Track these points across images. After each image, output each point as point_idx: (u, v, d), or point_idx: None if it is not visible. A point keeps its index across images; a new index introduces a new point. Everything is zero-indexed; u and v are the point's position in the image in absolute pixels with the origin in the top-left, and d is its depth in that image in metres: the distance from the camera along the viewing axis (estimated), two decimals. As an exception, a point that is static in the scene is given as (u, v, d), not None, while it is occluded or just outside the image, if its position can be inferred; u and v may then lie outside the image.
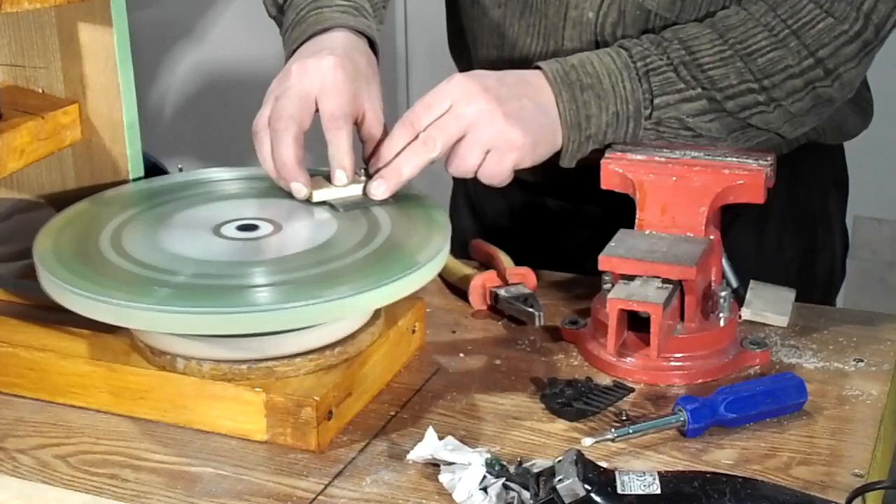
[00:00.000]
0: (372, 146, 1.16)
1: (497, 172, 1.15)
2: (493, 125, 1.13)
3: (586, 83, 1.17)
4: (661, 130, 1.18)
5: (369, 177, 1.15)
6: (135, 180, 1.23)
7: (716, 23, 1.19)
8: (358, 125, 1.16)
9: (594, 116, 1.16)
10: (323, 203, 1.14)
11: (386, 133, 1.16)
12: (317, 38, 1.20)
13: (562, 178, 1.29)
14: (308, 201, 1.14)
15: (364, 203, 1.14)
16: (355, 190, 1.15)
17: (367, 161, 1.17)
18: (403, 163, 1.13)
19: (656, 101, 1.17)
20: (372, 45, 1.23)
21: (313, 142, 1.15)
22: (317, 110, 1.14)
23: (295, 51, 1.20)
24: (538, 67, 1.18)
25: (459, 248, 1.30)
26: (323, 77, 1.14)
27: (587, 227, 1.33)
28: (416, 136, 1.13)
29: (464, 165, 1.15)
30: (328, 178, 1.15)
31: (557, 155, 1.18)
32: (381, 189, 1.13)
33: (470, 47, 1.40)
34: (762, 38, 1.17)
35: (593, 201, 1.27)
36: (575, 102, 1.16)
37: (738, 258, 1.23)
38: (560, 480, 0.89)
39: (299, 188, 1.13)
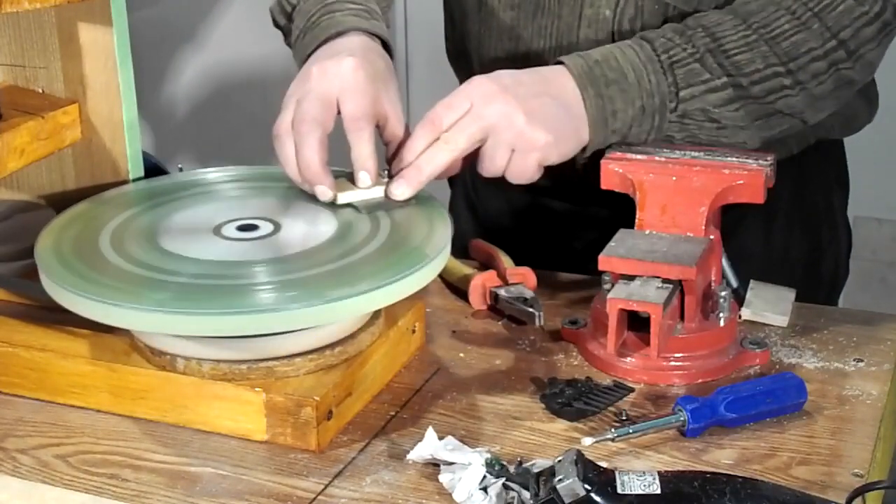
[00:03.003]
0: (395, 147, 1.16)
1: (523, 171, 1.15)
2: (513, 126, 1.13)
3: (611, 78, 1.16)
4: (686, 123, 1.18)
5: (392, 178, 1.15)
6: (135, 180, 1.23)
7: (736, 9, 1.19)
8: (380, 127, 1.16)
9: (620, 111, 1.16)
10: (347, 205, 1.14)
11: (408, 134, 1.16)
12: (332, 42, 1.20)
13: (568, 179, 1.29)
14: (333, 204, 1.14)
15: (387, 204, 1.14)
16: (379, 191, 1.14)
17: (389, 162, 1.17)
18: (424, 163, 1.13)
19: (682, 93, 1.17)
20: (386, 47, 1.23)
21: (334, 143, 1.15)
22: (338, 112, 1.14)
23: (309, 55, 1.20)
24: (560, 62, 1.18)
25: (459, 249, 1.30)
26: (343, 79, 1.14)
27: (594, 229, 1.33)
28: (438, 137, 1.13)
29: (492, 167, 1.15)
30: (351, 180, 1.15)
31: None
32: (401, 189, 1.13)
33: (473, 51, 1.40)
34: (785, 21, 1.17)
35: (600, 203, 1.27)
36: (601, 98, 1.16)
37: (745, 258, 1.23)
38: (560, 480, 0.89)
39: (324, 191, 1.13)
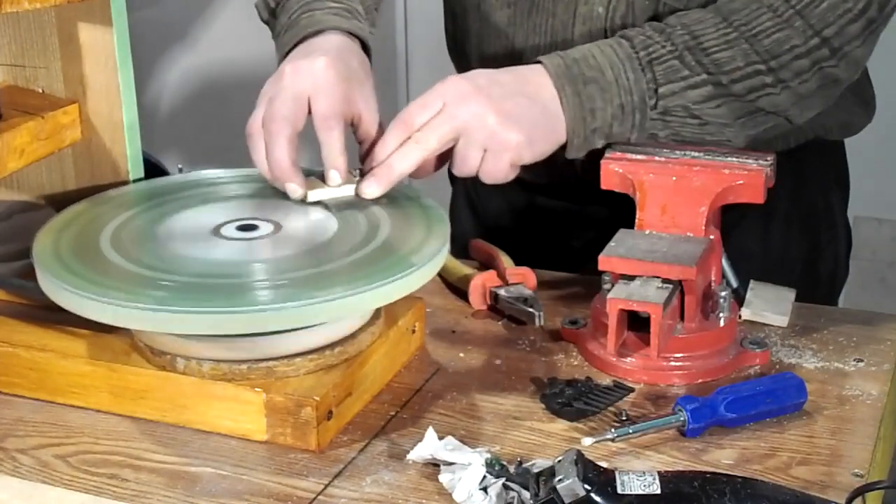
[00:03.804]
0: (368, 146, 1.16)
1: (495, 172, 1.15)
2: (485, 126, 1.13)
3: (589, 76, 1.16)
4: (668, 120, 1.18)
5: (363, 176, 1.15)
6: (135, 181, 1.23)
7: (720, 7, 1.19)
8: (354, 126, 1.17)
9: (599, 110, 1.16)
10: (317, 203, 1.14)
11: (382, 133, 1.16)
12: (309, 40, 1.20)
13: (567, 179, 1.28)
14: (303, 202, 1.14)
15: (358, 203, 1.14)
16: (350, 190, 1.15)
17: (362, 161, 1.17)
18: (395, 162, 1.13)
19: (661, 90, 1.17)
20: (365, 47, 1.23)
21: (307, 142, 1.15)
22: (310, 111, 1.14)
23: (287, 53, 1.20)
24: (539, 62, 1.18)
25: (459, 249, 1.30)
26: (315, 78, 1.14)
27: (592, 229, 1.33)
28: (410, 136, 1.13)
29: (465, 167, 1.15)
30: (322, 178, 1.15)
31: (562, 152, 1.18)
32: (371, 188, 1.13)
33: (472, 49, 1.40)
34: (766, 19, 1.17)
35: (598, 202, 1.27)
36: (578, 96, 1.16)
37: (744, 258, 1.23)
38: (560, 480, 0.89)
39: (294, 189, 1.13)
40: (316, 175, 1.16)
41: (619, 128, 1.17)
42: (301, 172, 1.14)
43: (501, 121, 1.13)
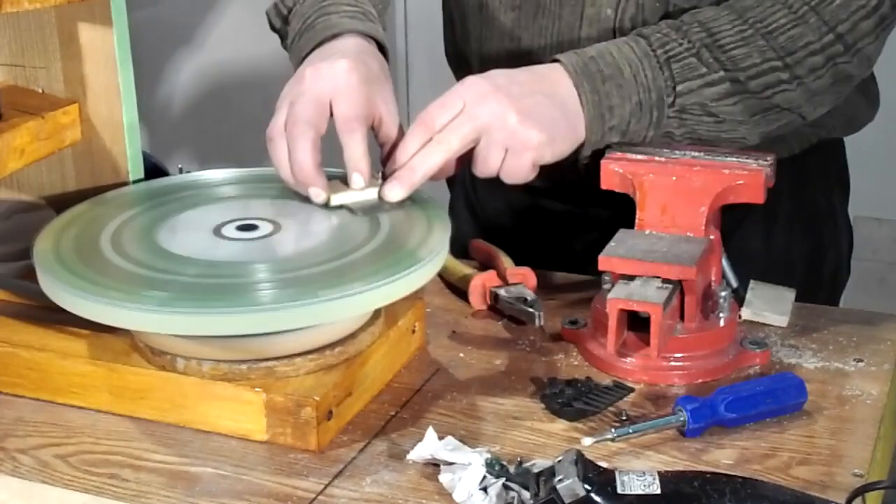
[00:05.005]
0: (389, 149, 1.16)
1: (517, 172, 1.15)
2: (506, 126, 1.12)
3: (607, 74, 1.16)
4: (685, 118, 1.18)
5: (385, 179, 1.15)
6: (135, 181, 1.23)
7: (733, 5, 1.19)
8: (375, 128, 1.16)
9: (617, 107, 1.16)
10: (340, 207, 1.14)
11: (402, 135, 1.15)
12: (327, 44, 1.20)
13: (568, 181, 1.28)
14: (326, 205, 1.14)
15: (381, 206, 1.14)
16: (373, 193, 1.14)
17: (384, 164, 1.17)
18: (417, 164, 1.13)
19: (679, 87, 1.17)
20: (381, 49, 1.23)
21: (328, 145, 1.15)
22: (331, 114, 1.14)
23: (304, 57, 1.20)
24: (556, 60, 1.18)
25: (459, 249, 1.30)
26: (336, 80, 1.13)
27: (594, 230, 1.33)
28: (431, 138, 1.13)
29: (486, 168, 1.15)
30: (345, 181, 1.15)
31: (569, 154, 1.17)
32: (395, 191, 1.13)
33: (474, 53, 1.40)
34: (781, 15, 1.17)
35: (600, 204, 1.27)
36: (597, 94, 1.16)
37: (747, 258, 1.23)
38: (560, 480, 0.89)
39: (317, 193, 1.13)
40: (338, 178, 1.15)
41: (636, 125, 1.17)
42: (324, 176, 1.13)
43: (522, 119, 1.12)
